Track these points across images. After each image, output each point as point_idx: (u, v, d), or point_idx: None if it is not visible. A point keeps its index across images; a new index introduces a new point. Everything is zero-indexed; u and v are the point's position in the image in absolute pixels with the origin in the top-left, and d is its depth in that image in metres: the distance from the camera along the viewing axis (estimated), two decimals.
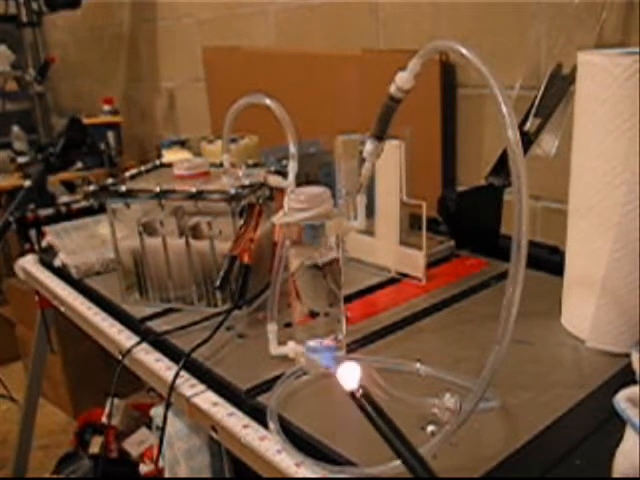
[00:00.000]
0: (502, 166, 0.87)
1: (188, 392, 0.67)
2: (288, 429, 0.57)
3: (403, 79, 0.58)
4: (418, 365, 0.64)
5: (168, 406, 0.71)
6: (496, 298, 0.82)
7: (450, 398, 0.55)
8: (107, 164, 2.09)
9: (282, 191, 0.77)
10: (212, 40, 1.77)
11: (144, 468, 1.17)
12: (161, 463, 0.76)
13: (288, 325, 0.71)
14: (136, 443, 1.46)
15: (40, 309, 1.24)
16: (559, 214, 1.00)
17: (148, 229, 0.84)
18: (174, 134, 2.09)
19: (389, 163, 0.83)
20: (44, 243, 1.14)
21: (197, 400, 0.66)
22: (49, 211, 1.22)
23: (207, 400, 0.65)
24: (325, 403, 0.61)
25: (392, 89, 0.59)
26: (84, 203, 1.27)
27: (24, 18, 2.45)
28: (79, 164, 2.02)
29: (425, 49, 0.55)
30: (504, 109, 0.45)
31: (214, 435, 0.64)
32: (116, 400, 1.45)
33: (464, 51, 0.49)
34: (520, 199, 0.46)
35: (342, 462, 0.52)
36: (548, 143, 0.83)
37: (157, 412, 0.77)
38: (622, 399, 0.44)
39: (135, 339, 0.79)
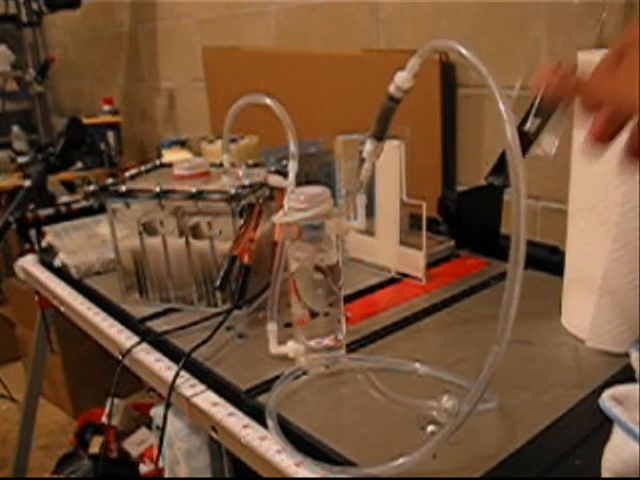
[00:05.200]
0: (502, 166, 0.87)
1: (188, 392, 0.67)
2: (287, 429, 0.57)
3: (402, 79, 0.58)
4: (417, 365, 0.64)
5: (168, 406, 0.71)
6: (496, 298, 0.81)
7: (448, 400, 0.55)
8: (107, 164, 2.09)
9: (282, 191, 0.77)
10: (212, 40, 1.77)
11: (144, 468, 1.17)
12: (161, 463, 0.76)
13: (288, 325, 0.71)
14: (136, 443, 1.46)
15: (40, 309, 1.24)
16: (559, 214, 1.00)
17: (148, 229, 0.84)
18: (174, 134, 2.10)
19: (389, 163, 0.83)
20: (44, 243, 1.14)
21: (197, 400, 0.66)
22: (49, 211, 1.22)
23: (207, 400, 0.65)
24: (324, 403, 0.61)
25: (391, 89, 0.59)
26: (84, 203, 1.27)
27: (24, 18, 2.45)
28: (79, 164, 2.02)
29: (424, 49, 0.55)
30: (502, 108, 0.45)
31: (214, 435, 0.64)
32: (116, 400, 1.45)
33: (463, 50, 0.49)
34: (518, 199, 0.46)
35: (342, 462, 0.52)
36: (548, 143, 0.83)
37: (157, 412, 0.77)
38: (607, 398, 0.44)
39: (135, 339, 0.79)
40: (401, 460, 0.49)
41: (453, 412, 0.53)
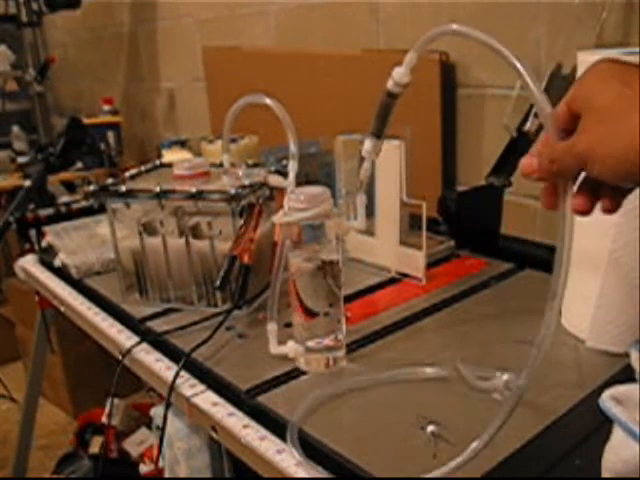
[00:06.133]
0: (502, 166, 0.87)
1: (188, 392, 0.67)
2: (285, 427, 0.56)
3: (400, 73, 0.58)
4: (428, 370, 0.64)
5: (168, 406, 0.71)
6: (496, 298, 0.82)
7: (502, 375, 0.54)
8: (107, 164, 2.09)
9: (282, 191, 0.77)
10: (212, 40, 1.77)
11: (144, 468, 1.17)
12: (161, 463, 0.76)
13: (288, 325, 0.71)
14: (136, 443, 1.46)
15: (40, 309, 1.24)
16: (559, 214, 0.99)
17: (148, 229, 0.84)
18: (174, 134, 2.09)
19: (389, 163, 0.83)
20: (44, 243, 1.14)
21: (197, 400, 0.66)
22: (49, 211, 1.22)
23: (207, 400, 0.65)
24: (324, 402, 0.61)
25: (389, 84, 0.59)
26: (84, 203, 1.27)
27: (24, 18, 2.45)
28: (79, 164, 2.02)
29: (420, 41, 0.55)
30: (517, 65, 0.45)
31: (214, 435, 0.64)
32: (116, 400, 1.45)
33: (462, 29, 0.48)
34: None
35: (348, 463, 0.52)
36: None
37: (157, 412, 0.77)
38: (606, 398, 0.44)
39: (135, 339, 0.79)
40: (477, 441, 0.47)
41: (515, 384, 0.51)
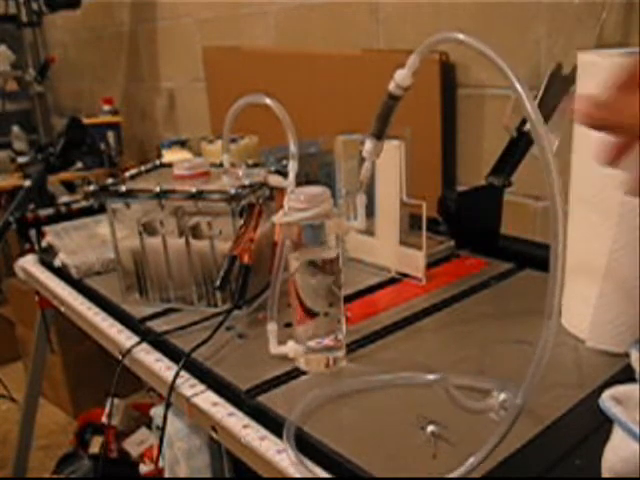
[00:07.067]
0: (502, 166, 0.87)
1: (188, 392, 0.67)
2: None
3: (402, 76, 0.58)
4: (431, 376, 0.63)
5: (168, 406, 0.71)
6: (496, 298, 0.82)
7: (499, 394, 0.53)
8: (107, 164, 2.09)
9: (282, 191, 0.77)
10: (212, 40, 1.77)
11: (144, 468, 1.17)
12: (161, 463, 0.76)
13: (288, 325, 0.71)
14: (136, 443, 1.46)
15: (40, 309, 1.24)
16: None
17: (148, 229, 0.84)
18: (174, 134, 2.10)
19: (389, 163, 0.83)
20: (44, 243, 1.14)
21: (197, 400, 0.66)
22: (49, 211, 1.22)
23: (207, 400, 0.65)
24: (324, 403, 0.61)
25: (391, 87, 0.59)
26: (84, 203, 1.27)
27: (24, 18, 2.45)
28: (79, 164, 2.02)
29: (423, 45, 0.55)
30: (510, 75, 0.45)
31: (214, 435, 0.64)
32: (116, 400, 1.45)
33: (468, 39, 0.49)
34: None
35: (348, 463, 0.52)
36: None
37: (157, 412, 0.77)
38: (606, 398, 0.44)
39: (135, 339, 0.79)
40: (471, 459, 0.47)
41: (512, 404, 0.51)
